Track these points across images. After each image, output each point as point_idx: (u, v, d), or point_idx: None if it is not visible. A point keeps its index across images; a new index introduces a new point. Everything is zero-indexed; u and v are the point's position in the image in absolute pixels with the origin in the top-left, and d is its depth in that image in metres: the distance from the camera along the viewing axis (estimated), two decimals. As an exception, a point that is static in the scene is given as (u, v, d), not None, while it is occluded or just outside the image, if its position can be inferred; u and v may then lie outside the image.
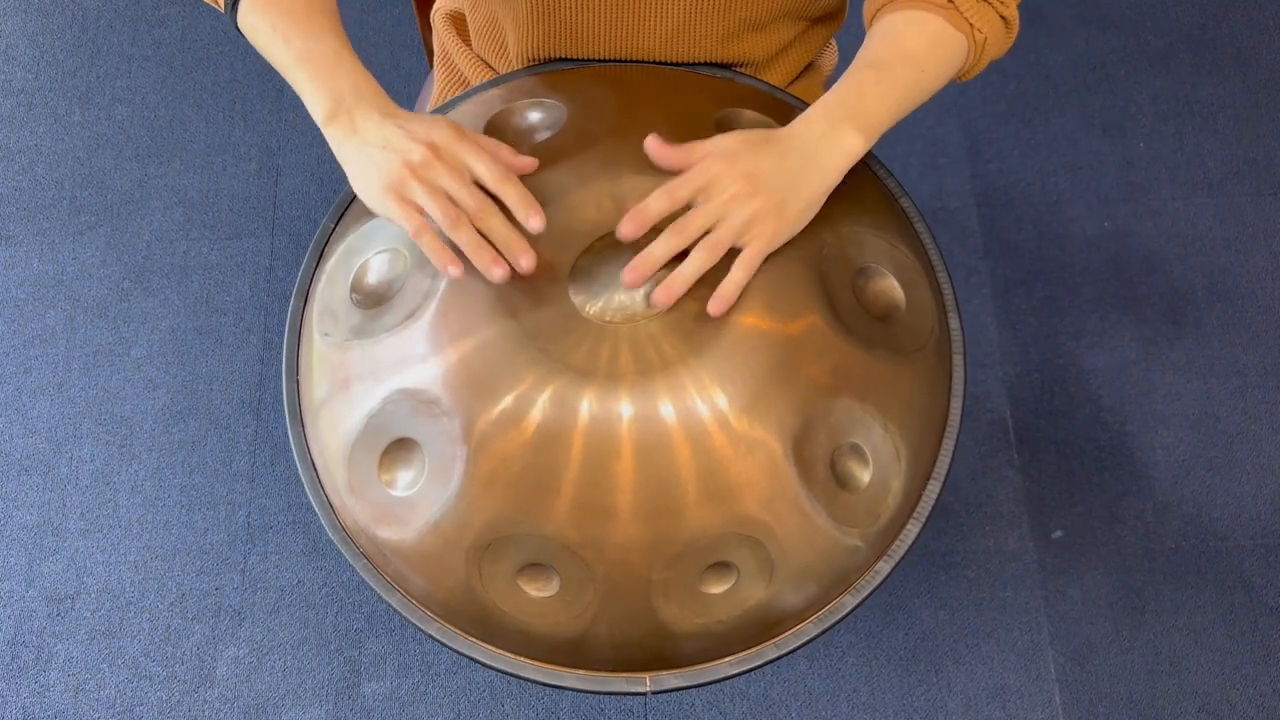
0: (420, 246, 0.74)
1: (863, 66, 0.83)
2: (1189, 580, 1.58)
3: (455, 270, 0.73)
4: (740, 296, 0.74)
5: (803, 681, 1.54)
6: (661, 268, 0.73)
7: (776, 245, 0.76)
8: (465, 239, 0.73)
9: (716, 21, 0.90)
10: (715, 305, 0.73)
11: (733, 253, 0.74)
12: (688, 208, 0.75)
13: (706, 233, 0.74)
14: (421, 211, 0.74)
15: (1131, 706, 1.52)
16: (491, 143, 0.78)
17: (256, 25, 0.81)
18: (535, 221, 0.74)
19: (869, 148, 0.80)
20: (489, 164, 0.75)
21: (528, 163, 0.78)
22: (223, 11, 0.84)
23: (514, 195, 0.75)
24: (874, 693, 1.53)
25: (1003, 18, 0.86)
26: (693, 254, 0.73)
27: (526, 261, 0.74)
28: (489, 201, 0.75)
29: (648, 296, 0.74)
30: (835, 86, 0.81)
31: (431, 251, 0.74)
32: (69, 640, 1.58)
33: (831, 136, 0.78)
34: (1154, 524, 1.61)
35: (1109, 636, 1.55)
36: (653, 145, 0.76)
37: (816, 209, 0.78)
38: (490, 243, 0.74)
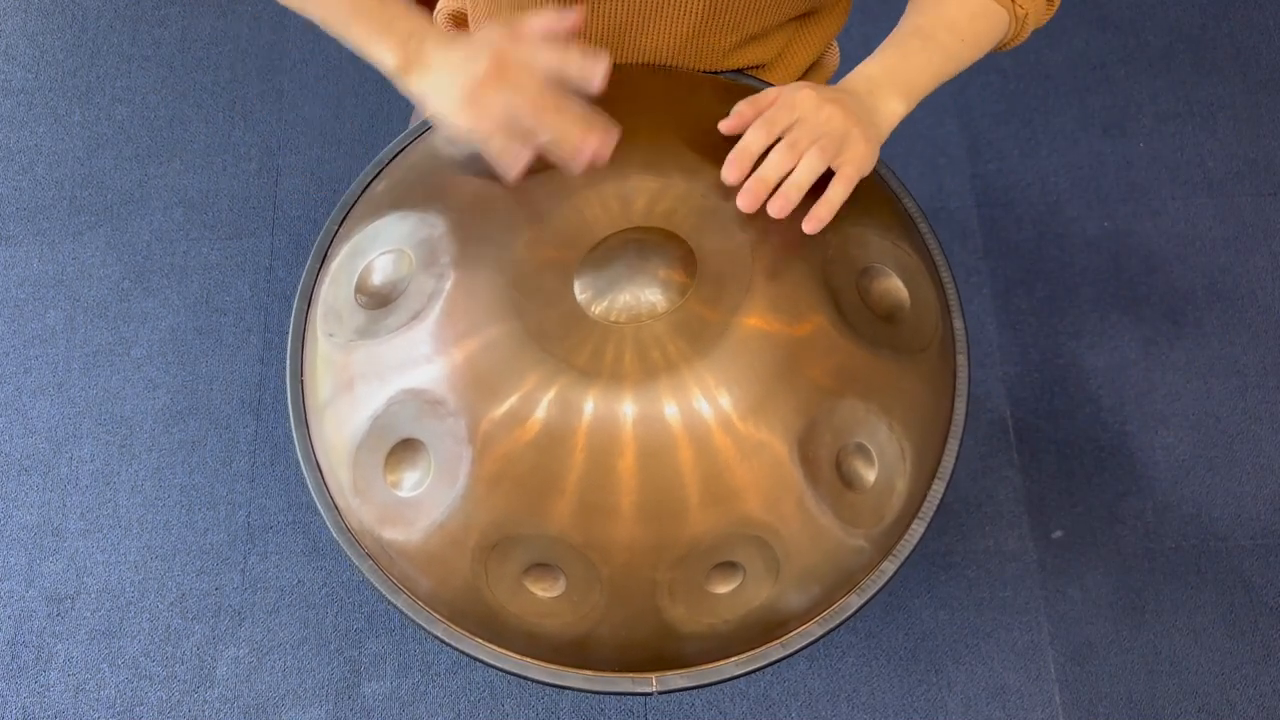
0: (486, 150, 0.76)
1: (907, 34, 0.84)
2: (1189, 580, 1.58)
3: (516, 167, 0.75)
4: (743, 298, 0.74)
5: (803, 681, 1.54)
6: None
7: (865, 173, 0.78)
8: (550, 121, 0.74)
9: (723, 35, 0.90)
10: (811, 224, 0.75)
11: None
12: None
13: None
14: (498, 118, 0.75)
15: (1131, 706, 1.52)
16: (541, 17, 0.78)
17: None
18: (599, 69, 0.75)
19: (908, 113, 0.82)
20: (550, 48, 0.75)
21: (574, 19, 0.78)
22: None
23: (576, 62, 0.75)
24: (874, 693, 1.53)
25: None
26: (804, 160, 0.75)
27: (609, 142, 0.75)
28: (564, 93, 0.75)
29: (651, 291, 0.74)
30: (879, 53, 0.83)
31: (497, 152, 0.75)
32: (69, 640, 1.58)
33: (878, 97, 0.80)
34: (1154, 524, 1.61)
35: (1109, 636, 1.55)
36: (726, 124, 0.78)
37: (875, 159, 0.80)
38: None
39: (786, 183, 0.75)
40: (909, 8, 0.88)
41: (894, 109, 0.81)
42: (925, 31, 0.84)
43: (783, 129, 0.76)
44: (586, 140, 0.74)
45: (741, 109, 0.78)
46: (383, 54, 0.79)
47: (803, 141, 0.75)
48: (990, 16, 0.85)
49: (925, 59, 0.83)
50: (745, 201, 0.75)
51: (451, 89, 0.76)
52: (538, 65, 0.75)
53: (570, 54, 0.75)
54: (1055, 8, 0.89)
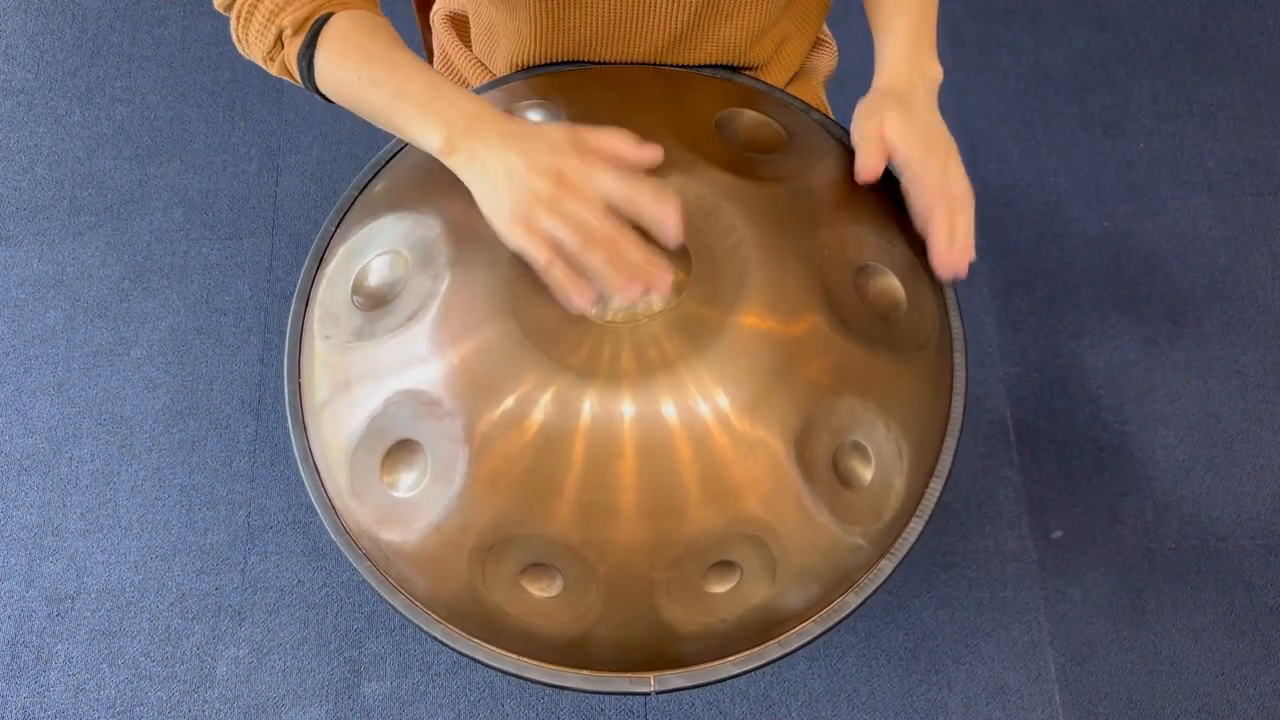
0: (548, 279, 0.71)
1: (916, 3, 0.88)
2: (1189, 580, 1.58)
3: (582, 301, 0.70)
4: (740, 297, 0.74)
5: (803, 681, 1.54)
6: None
7: None
8: (599, 261, 0.69)
9: (718, 27, 0.90)
10: (958, 269, 0.81)
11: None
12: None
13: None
14: (551, 243, 0.70)
15: (1131, 706, 1.52)
16: (613, 138, 0.72)
17: (341, 79, 0.79)
18: (671, 221, 0.70)
19: None
20: (618, 183, 0.70)
21: (653, 153, 0.73)
22: (300, 85, 0.82)
23: (647, 210, 0.70)
24: (874, 693, 1.53)
25: None
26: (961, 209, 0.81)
27: (664, 283, 0.70)
28: (623, 225, 0.70)
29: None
30: (893, 38, 0.87)
31: (560, 283, 0.70)
32: (69, 640, 1.58)
33: (927, 73, 0.85)
34: (1154, 524, 1.61)
35: (1109, 636, 1.55)
36: (863, 182, 0.83)
37: None
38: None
39: (964, 242, 0.81)
40: None
41: (935, 73, 0.86)
42: None
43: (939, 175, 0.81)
44: (634, 280, 0.69)
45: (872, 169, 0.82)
46: (426, 134, 0.75)
47: (956, 190, 0.81)
48: None
49: (927, 19, 0.87)
50: (945, 272, 0.81)
51: (503, 199, 0.71)
52: (601, 190, 0.70)
53: (640, 190, 0.70)
54: None
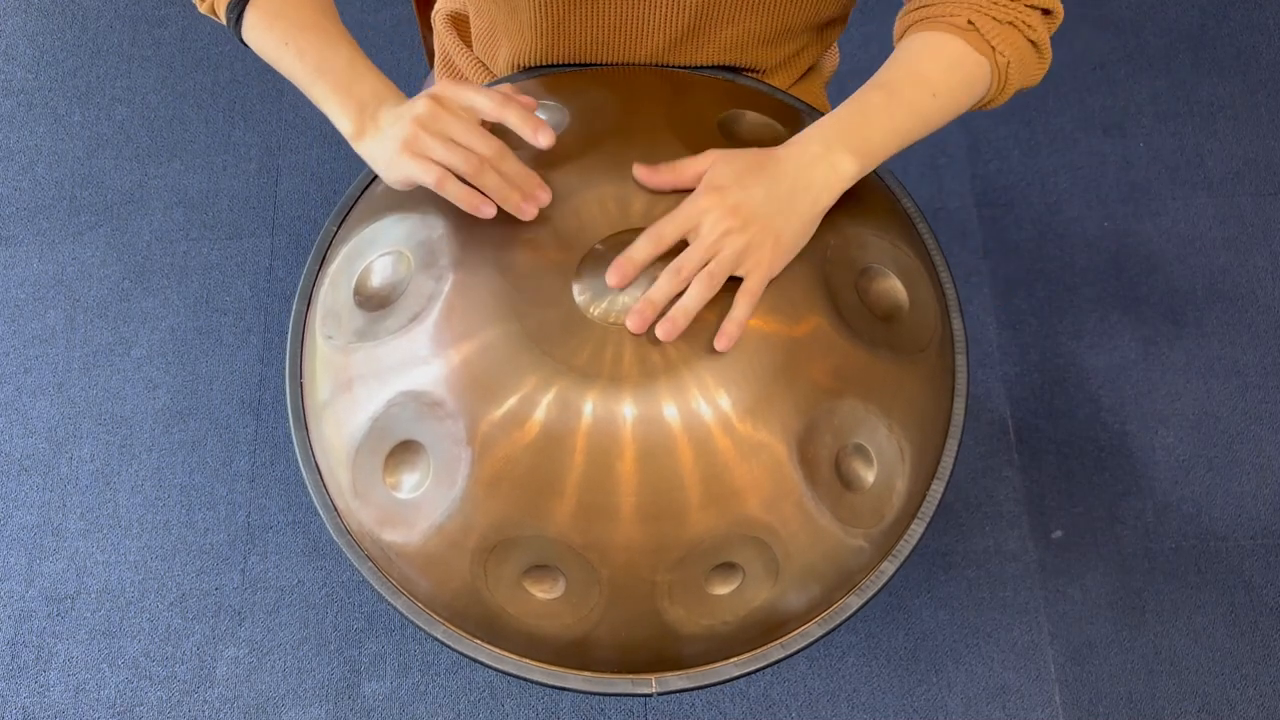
0: (445, 195, 0.75)
1: (872, 88, 0.80)
2: (1189, 580, 1.58)
3: (489, 210, 0.75)
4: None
5: (803, 681, 1.54)
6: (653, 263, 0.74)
7: (774, 273, 0.75)
8: (491, 183, 0.75)
9: (721, 30, 0.90)
10: (722, 341, 0.72)
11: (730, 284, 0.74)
12: (677, 249, 0.74)
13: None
14: (438, 165, 0.75)
15: (1131, 706, 1.52)
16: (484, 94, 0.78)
17: (265, 40, 0.82)
18: (543, 138, 0.75)
19: (865, 173, 0.78)
20: (487, 95, 0.76)
21: (527, 101, 0.79)
22: (225, 25, 0.84)
23: (515, 117, 0.75)
24: (874, 693, 1.53)
25: (1031, 42, 0.83)
26: (692, 286, 0.72)
27: (545, 195, 0.76)
28: (500, 143, 0.76)
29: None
30: (840, 107, 0.79)
31: (458, 198, 0.75)
32: (69, 640, 1.58)
33: (826, 159, 0.76)
34: (1154, 524, 1.61)
35: (1109, 636, 1.55)
36: (640, 173, 0.77)
37: (810, 233, 0.77)
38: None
39: (674, 308, 0.72)
40: (888, 60, 0.84)
41: (845, 170, 0.76)
42: (891, 86, 0.80)
43: (674, 240, 0.74)
44: (528, 200, 0.75)
45: (645, 176, 0.77)
46: (339, 118, 0.80)
47: (688, 267, 0.72)
48: (969, 67, 0.81)
49: (887, 117, 0.79)
50: (633, 323, 0.72)
51: (391, 141, 0.77)
52: (472, 105, 0.76)
53: (510, 107, 0.75)
54: (1046, 63, 0.85)
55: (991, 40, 0.81)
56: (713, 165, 0.75)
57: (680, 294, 0.73)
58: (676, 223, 0.74)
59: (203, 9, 0.86)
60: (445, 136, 0.75)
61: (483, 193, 0.75)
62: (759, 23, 0.90)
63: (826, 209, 0.77)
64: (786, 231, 0.75)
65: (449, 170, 0.75)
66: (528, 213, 0.75)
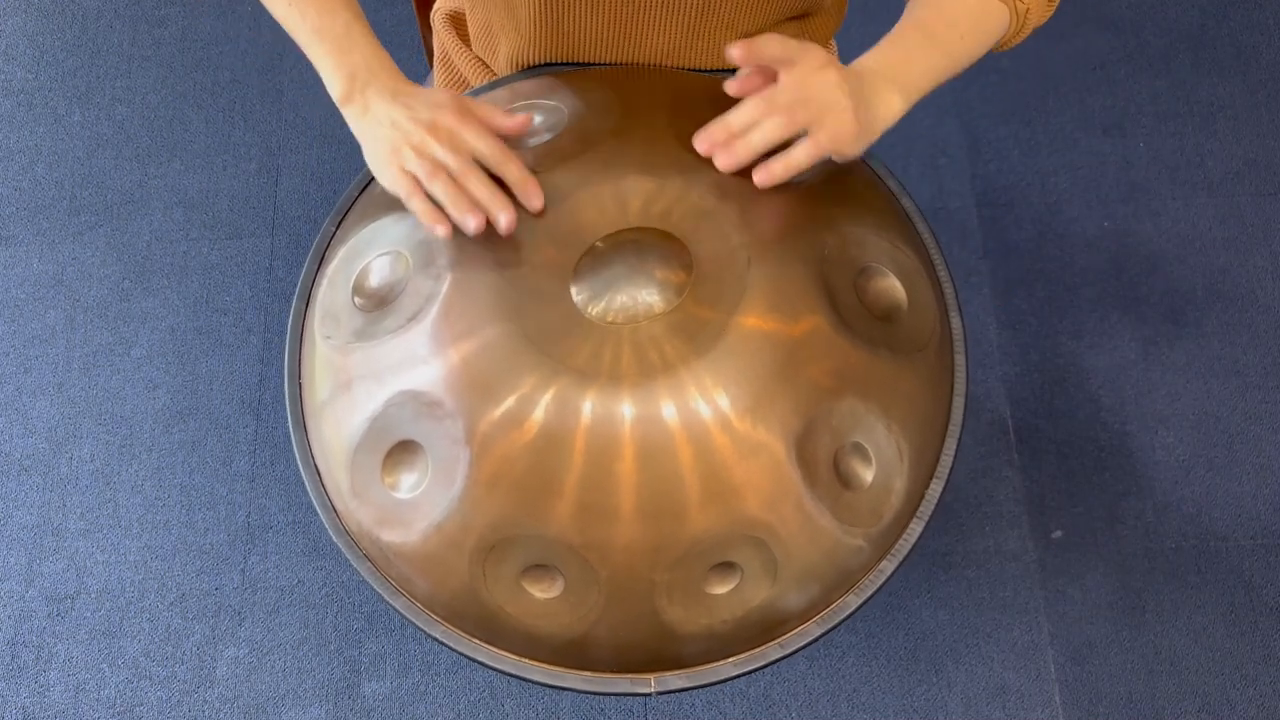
0: (411, 209, 0.77)
1: (910, 29, 0.82)
2: (1189, 580, 1.58)
3: (442, 229, 0.75)
4: (741, 298, 0.74)
5: (803, 681, 1.54)
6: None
7: (840, 149, 0.76)
8: (440, 190, 0.75)
9: (718, 34, 0.90)
10: (762, 175, 0.74)
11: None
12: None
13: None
14: (412, 178, 0.77)
15: (1131, 706, 1.52)
16: (488, 110, 0.80)
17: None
18: (535, 201, 0.76)
19: (906, 111, 0.80)
20: (489, 144, 0.77)
21: (520, 121, 0.80)
22: None
23: (514, 174, 0.77)
24: (874, 693, 1.53)
25: None
26: (766, 121, 0.74)
27: (506, 219, 0.75)
28: (472, 164, 0.77)
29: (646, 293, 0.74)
30: (882, 47, 0.81)
31: (421, 213, 0.76)
32: (69, 640, 1.58)
33: (881, 94, 0.78)
34: (1154, 524, 1.61)
35: (1109, 636, 1.55)
36: (734, 53, 0.75)
37: (867, 146, 0.78)
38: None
39: (741, 141, 0.74)
40: (910, 2, 0.86)
41: (893, 105, 0.79)
42: (928, 28, 0.83)
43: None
44: (472, 213, 0.75)
45: (743, 50, 0.75)
46: (330, 80, 0.81)
47: (782, 98, 0.74)
48: (992, 14, 0.84)
49: (926, 57, 0.82)
50: (700, 143, 0.74)
51: (381, 143, 0.78)
52: (468, 147, 0.77)
53: (510, 163, 0.76)
54: (1055, 5, 0.88)
55: None
56: (808, 46, 0.76)
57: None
58: (788, 57, 0.74)
59: None
60: (427, 154, 0.77)
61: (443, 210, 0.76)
62: (755, 25, 0.90)
63: (875, 137, 0.79)
64: (863, 120, 0.76)
65: (420, 183, 0.76)
66: (469, 226, 0.75)
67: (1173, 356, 1.71)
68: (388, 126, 0.78)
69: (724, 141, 0.75)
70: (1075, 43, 1.94)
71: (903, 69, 0.80)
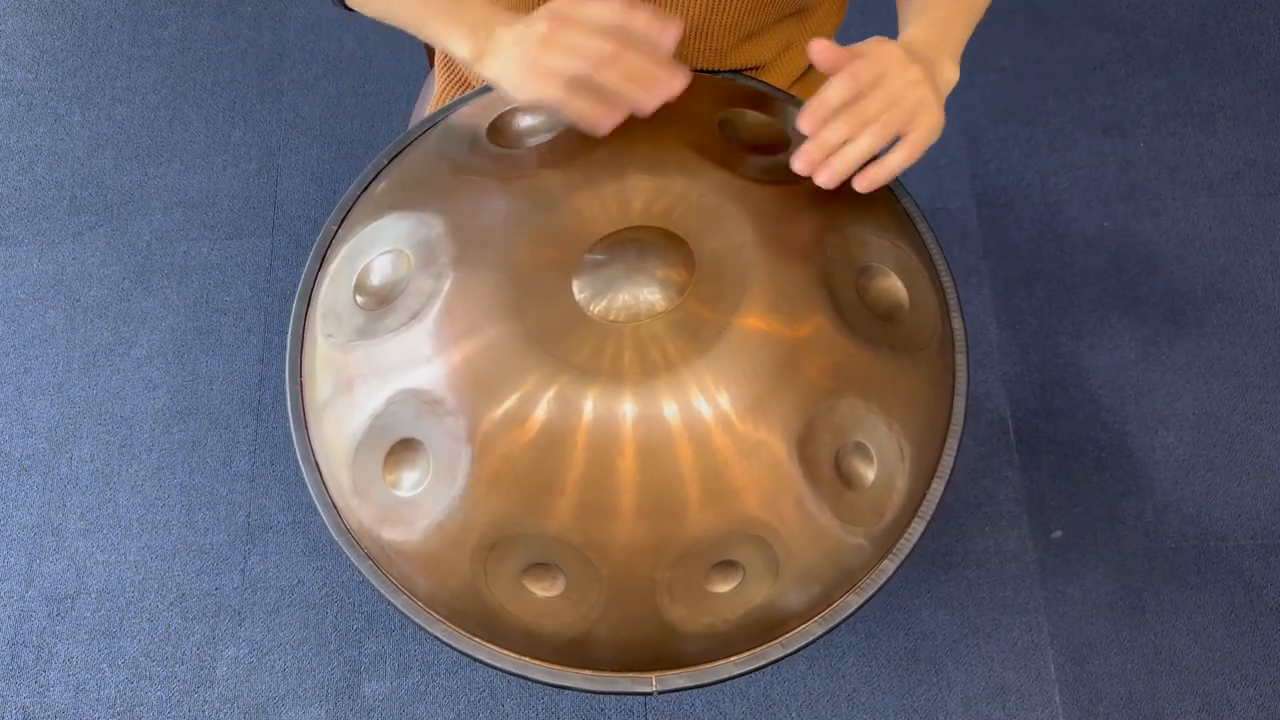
0: (570, 114, 0.74)
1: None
2: (1189, 580, 1.58)
3: (609, 122, 0.73)
4: (742, 297, 0.74)
5: (803, 681, 1.54)
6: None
7: (934, 140, 0.76)
8: (612, 77, 0.72)
9: (721, 35, 0.90)
10: (863, 182, 0.74)
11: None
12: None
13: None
14: (563, 79, 0.73)
15: (1131, 706, 1.52)
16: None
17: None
18: (671, 33, 0.73)
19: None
20: (608, 7, 0.73)
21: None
22: (332, 3, 0.87)
23: (641, 21, 0.73)
24: (874, 693, 1.53)
25: None
26: (864, 135, 0.73)
27: (679, 81, 0.73)
28: (623, 40, 0.73)
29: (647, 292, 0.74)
30: (924, 19, 0.81)
31: (581, 115, 0.73)
32: (69, 640, 1.58)
33: (939, 66, 0.78)
34: (1154, 524, 1.61)
35: (1109, 636, 1.55)
36: (818, 50, 0.74)
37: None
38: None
39: (839, 156, 0.73)
40: None
41: (951, 77, 0.79)
42: None
43: (866, 84, 0.73)
44: (649, 90, 0.72)
45: (827, 53, 0.74)
46: (456, 46, 0.79)
47: (872, 108, 0.73)
48: None
49: (962, 19, 0.81)
50: (799, 164, 0.73)
51: (515, 62, 0.75)
52: (598, 21, 0.73)
53: (635, 13, 0.72)
54: None
55: None
56: (875, 38, 0.75)
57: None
58: (869, 61, 0.73)
59: None
60: (568, 46, 0.73)
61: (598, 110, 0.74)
62: (756, 23, 0.90)
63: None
64: (941, 104, 0.76)
65: (575, 81, 0.73)
66: (648, 106, 0.73)
67: (1173, 356, 1.71)
68: (516, 45, 0.75)
69: (822, 160, 0.73)
70: (1075, 43, 1.94)
71: (949, 35, 0.80)
